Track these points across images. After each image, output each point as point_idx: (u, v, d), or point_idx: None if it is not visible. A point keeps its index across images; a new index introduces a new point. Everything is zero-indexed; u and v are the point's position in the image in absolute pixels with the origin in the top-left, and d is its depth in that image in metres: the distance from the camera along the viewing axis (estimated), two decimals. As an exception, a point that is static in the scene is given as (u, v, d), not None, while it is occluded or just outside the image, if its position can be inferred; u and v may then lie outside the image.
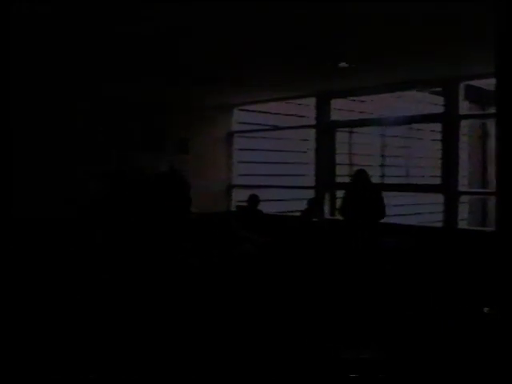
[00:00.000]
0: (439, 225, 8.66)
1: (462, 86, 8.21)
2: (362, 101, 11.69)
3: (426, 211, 11.65)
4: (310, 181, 10.03)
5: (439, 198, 8.50)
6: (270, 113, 11.57)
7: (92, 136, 9.32)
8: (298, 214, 8.97)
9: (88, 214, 7.23)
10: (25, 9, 4.72)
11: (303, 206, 8.71)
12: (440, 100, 8.76)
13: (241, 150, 11.49)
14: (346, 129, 11.58)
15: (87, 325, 5.15)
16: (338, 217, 8.64)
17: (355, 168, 8.92)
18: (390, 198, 8.72)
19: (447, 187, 8.23)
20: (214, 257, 6.56)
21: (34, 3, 4.67)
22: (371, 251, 7.39)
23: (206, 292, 5.77)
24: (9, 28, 3.62)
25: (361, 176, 8.11)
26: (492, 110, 8.57)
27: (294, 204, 10.38)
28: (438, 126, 9.01)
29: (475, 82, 8.92)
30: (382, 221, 7.84)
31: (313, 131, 10.09)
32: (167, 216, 6.91)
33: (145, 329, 5.11)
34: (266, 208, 9.64)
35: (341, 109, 10.28)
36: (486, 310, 5.08)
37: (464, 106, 8.45)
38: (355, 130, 12.03)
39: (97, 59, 7.04)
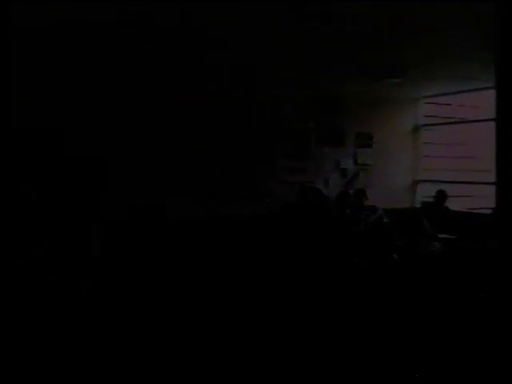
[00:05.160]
0: None
1: None
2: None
3: None
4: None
5: None
6: (458, 105, 11.01)
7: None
8: (488, 211, 8.34)
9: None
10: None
11: (493, 203, 8.05)
12: None
13: (428, 143, 11.07)
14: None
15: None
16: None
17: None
18: None
19: None
20: (394, 256, 6.20)
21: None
22: None
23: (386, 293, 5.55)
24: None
25: None
26: None
27: (483, 201, 9.71)
28: None
29: None
30: None
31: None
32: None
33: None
34: (452, 205, 9.25)
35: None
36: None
37: None
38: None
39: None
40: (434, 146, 11.12)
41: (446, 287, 5.35)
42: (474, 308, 4.87)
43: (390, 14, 5.37)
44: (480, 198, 10.29)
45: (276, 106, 9.55)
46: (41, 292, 5.05)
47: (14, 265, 4.75)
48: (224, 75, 8.31)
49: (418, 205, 10.66)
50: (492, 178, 8.69)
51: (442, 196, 9.08)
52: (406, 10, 5.25)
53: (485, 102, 10.44)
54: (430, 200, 9.44)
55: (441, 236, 7.34)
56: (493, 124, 8.41)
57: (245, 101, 9.30)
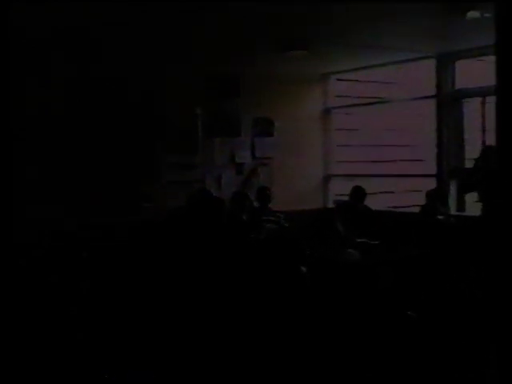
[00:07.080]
0: None
1: None
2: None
3: None
4: (431, 168, 8.79)
5: None
6: (377, 82, 10.33)
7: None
8: (416, 210, 8.15)
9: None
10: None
11: (422, 199, 7.87)
12: None
13: (341, 130, 10.24)
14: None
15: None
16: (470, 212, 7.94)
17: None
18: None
19: None
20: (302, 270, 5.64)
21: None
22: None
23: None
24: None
25: (490, 154, 6.98)
26: None
27: (410, 197, 9.54)
28: None
29: None
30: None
31: (433, 104, 8.63)
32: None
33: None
34: (373, 203, 8.63)
35: (469, 73, 8.74)
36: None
37: None
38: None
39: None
40: (349, 133, 10.39)
41: (361, 303, 5.12)
42: (396, 325, 4.99)
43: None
44: (406, 194, 10.05)
45: (156, 90, 8.38)
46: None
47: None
48: (91, 56, 7.41)
49: (331, 205, 9.99)
50: (422, 169, 8.39)
51: (359, 193, 8.27)
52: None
53: (413, 77, 10.03)
54: (346, 199, 8.64)
55: (360, 241, 6.90)
56: (424, 103, 7.97)
57: (117, 85, 7.97)
